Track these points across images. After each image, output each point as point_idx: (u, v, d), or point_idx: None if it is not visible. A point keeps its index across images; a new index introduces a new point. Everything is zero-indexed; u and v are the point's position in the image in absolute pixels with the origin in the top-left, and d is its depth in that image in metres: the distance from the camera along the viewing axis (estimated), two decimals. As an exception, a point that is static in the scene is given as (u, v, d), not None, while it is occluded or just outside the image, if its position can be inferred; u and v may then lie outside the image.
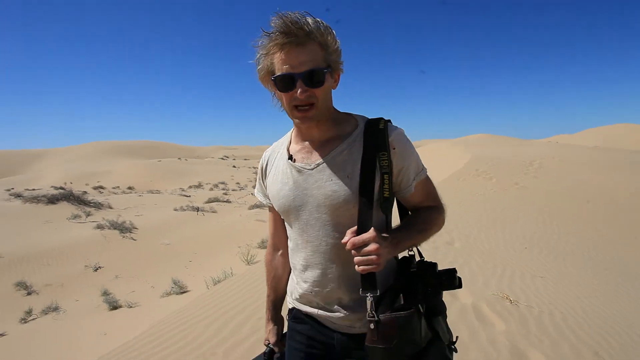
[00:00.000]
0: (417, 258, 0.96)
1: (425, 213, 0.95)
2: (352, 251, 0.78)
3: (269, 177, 1.02)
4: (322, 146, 0.93)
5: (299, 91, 0.82)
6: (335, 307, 0.94)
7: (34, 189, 22.48)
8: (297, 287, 1.01)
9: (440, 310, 0.87)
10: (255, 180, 1.11)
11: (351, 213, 0.87)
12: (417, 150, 0.94)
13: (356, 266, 0.78)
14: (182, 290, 6.23)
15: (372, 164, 0.86)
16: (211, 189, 26.00)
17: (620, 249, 5.57)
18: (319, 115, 0.87)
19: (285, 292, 1.13)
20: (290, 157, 0.95)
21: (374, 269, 0.77)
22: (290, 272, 1.08)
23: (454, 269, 0.90)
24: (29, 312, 5.70)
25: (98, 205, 14.42)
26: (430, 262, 0.92)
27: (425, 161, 0.97)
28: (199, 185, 29.95)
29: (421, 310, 0.81)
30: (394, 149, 0.88)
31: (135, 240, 10.20)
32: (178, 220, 12.35)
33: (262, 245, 9.33)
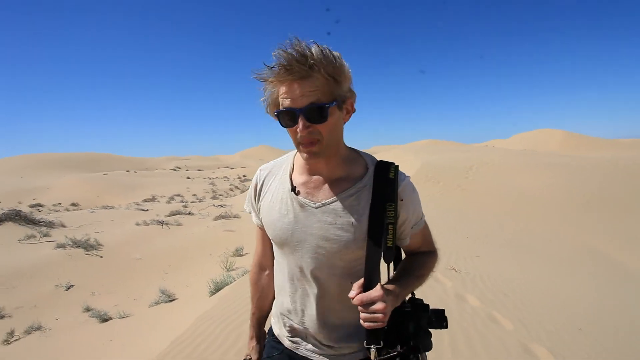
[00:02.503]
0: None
1: (422, 258, 0.97)
2: (359, 307, 0.78)
3: (263, 200, 0.99)
4: (330, 185, 0.90)
5: (300, 127, 0.78)
6: (320, 340, 0.94)
7: (-40, 211, 19.98)
8: (283, 319, 1.01)
9: (427, 348, 0.86)
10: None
11: (349, 257, 0.88)
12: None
13: (361, 321, 0.78)
14: (170, 298, 6.58)
15: (380, 215, 0.85)
16: (168, 202, 25.09)
17: (536, 234, 7.17)
18: (326, 152, 0.84)
19: (270, 310, 1.13)
20: (294, 189, 0.92)
21: (379, 326, 0.77)
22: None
23: (443, 310, 0.91)
24: (10, 333, 5.60)
25: (49, 225, 13.58)
26: (423, 302, 0.91)
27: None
28: (153, 199, 28.69)
29: (420, 359, 0.85)
30: (402, 200, 0.88)
31: (101, 257, 10.04)
32: (143, 234, 12.21)
33: (237, 253, 9.79)
